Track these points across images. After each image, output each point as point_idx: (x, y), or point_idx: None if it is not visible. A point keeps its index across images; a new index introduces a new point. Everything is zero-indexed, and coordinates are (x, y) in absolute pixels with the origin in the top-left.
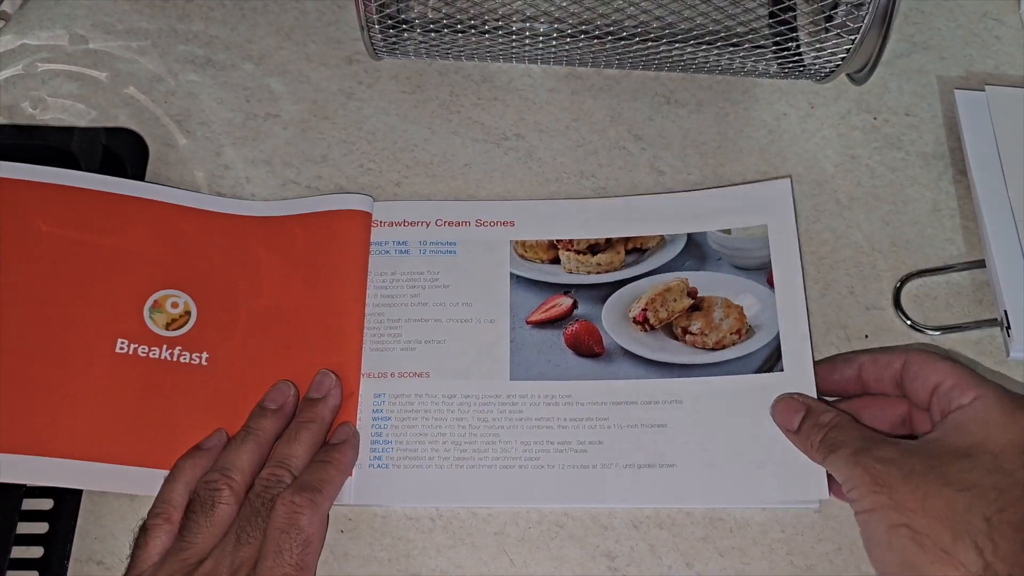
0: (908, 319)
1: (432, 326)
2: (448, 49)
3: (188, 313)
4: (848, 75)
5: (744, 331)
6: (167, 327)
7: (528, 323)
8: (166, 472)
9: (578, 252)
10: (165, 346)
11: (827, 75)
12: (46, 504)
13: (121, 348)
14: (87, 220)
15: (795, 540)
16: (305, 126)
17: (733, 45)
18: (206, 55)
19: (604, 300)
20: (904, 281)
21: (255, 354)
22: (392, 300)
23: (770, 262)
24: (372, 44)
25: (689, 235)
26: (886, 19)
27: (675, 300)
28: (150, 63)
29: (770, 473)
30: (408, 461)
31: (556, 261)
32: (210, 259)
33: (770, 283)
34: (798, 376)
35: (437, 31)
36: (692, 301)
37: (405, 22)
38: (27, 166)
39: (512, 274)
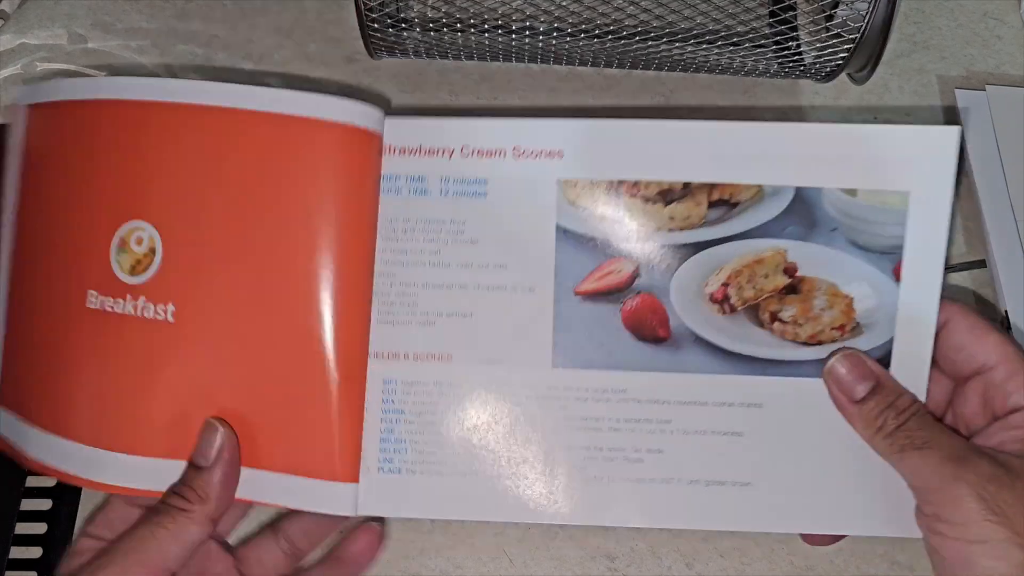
0: None
1: (455, 294)
2: (448, 48)
3: (153, 251)
4: (848, 74)
5: (849, 327)
6: (132, 271)
7: (578, 293)
8: (135, 457)
9: (645, 200)
10: (129, 296)
11: (828, 75)
12: (45, 504)
13: (92, 303)
14: (51, 134)
15: (795, 540)
16: None
17: (733, 44)
18: (206, 55)
19: (675, 269)
20: None
21: (231, 308)
22: (405, 257)
23: (902, 247)
24: (371, 43)
25: (798, 189)
26: (887, 18)
27: (767, 276)
28: (149, 63)
29: (866, 498)
30: (426, 466)
31: (618, 211)
32: (176, 173)
33: (896, 275)
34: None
35: (436, 30)
36: (789, 280)
37: (404, 21)
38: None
39: (559, 227)
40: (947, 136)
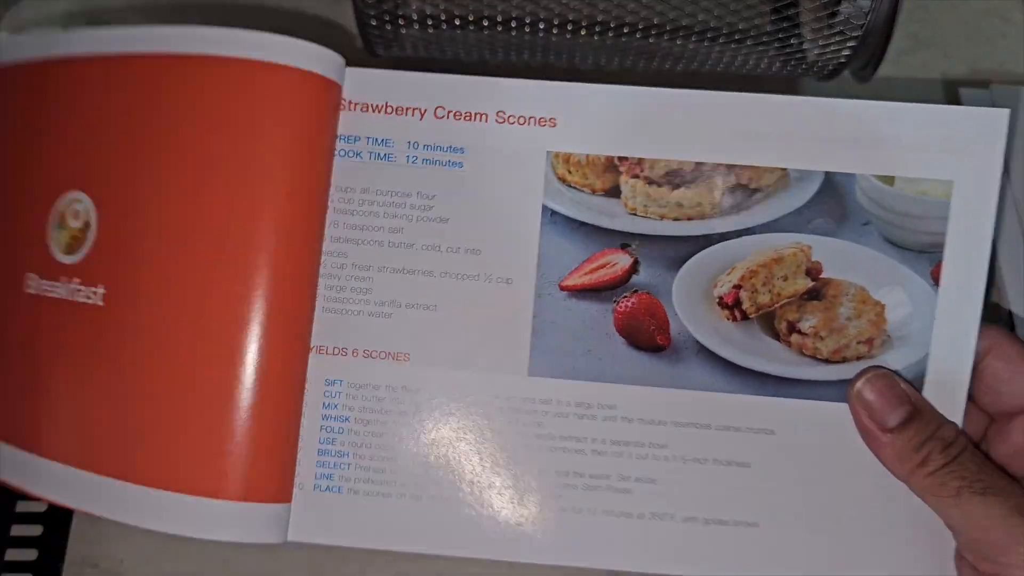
0: None
1: (417, 282)
2: (446, 45)
3: (87, 225)
4: (852, 72)
5: (879, 341)
6: (67, 250)
7: (563, 288)
8: (71, 470)
9: (650, 181)
10: (63, 277)
11: (830, 72)
12: (40, 507)
13: (30, 287)
14: None
15: None
16: None
17: (735, 41)
18: None
19: (680, 264)
20: None
21: (162, 290)
22: (361, 234)
23: (943, 245)
24: (369, 40)
25: (828, 175)
26: (890, 16)
27: (786, 279)
28: None
29: (893, 541)
30: (372, 486)
31: (616, 193)
32: (110, 134)
33: (935, 279)
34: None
35: (435, 27)
36: (811, 284)
37: (403, 17)
38: None
39: (546, 208)
40: (997, 119)
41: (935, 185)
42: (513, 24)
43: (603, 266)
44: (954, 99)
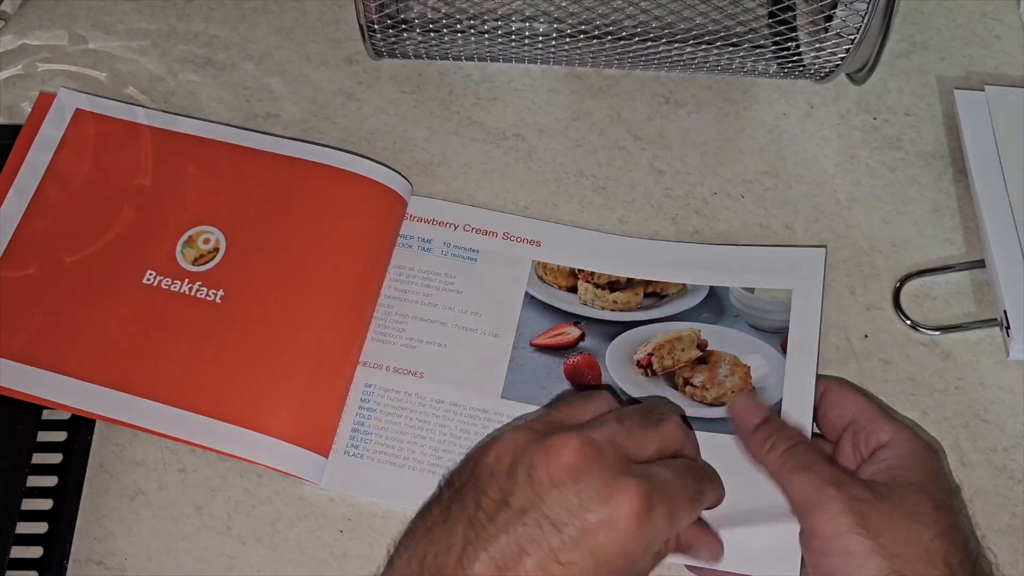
0: (908, 319)
1: (436, 328)
2: (448, 49)
3: (217, 250)
4: (848, 75)
5: (747, 391)
6: (194, 262)
7: (532, 345)
8: (174, 409)
9: (597, 286)
10: (187, 280)
11: (827, 75)
12: (46, 504)
13: (148, 280)
14: (137, 154)
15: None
16: (305, 126)
17: (732, 45)
18: (206, 55)
19: (612, 338)
20: (904, 281)
21: (267, 300)
22: (404, 295)
23: (787, 328)
24: (372, 44)
25: (711, 288)
26: (885, 19)
27: (683, 350)
28: (150, 63)
29: (749, 539)
30: (383, 456)
31: (574, 290)
32: (248, 197)
33: (783, 349)
34: None
35: (436, 31)
36: (700, 354)
37: (404, 22)
38: (103, 100)
39: (527, 294)
40: (817, 254)
41: (781, 292)
42: (513, 29)
43: (561, 334)
44: (949, 100)
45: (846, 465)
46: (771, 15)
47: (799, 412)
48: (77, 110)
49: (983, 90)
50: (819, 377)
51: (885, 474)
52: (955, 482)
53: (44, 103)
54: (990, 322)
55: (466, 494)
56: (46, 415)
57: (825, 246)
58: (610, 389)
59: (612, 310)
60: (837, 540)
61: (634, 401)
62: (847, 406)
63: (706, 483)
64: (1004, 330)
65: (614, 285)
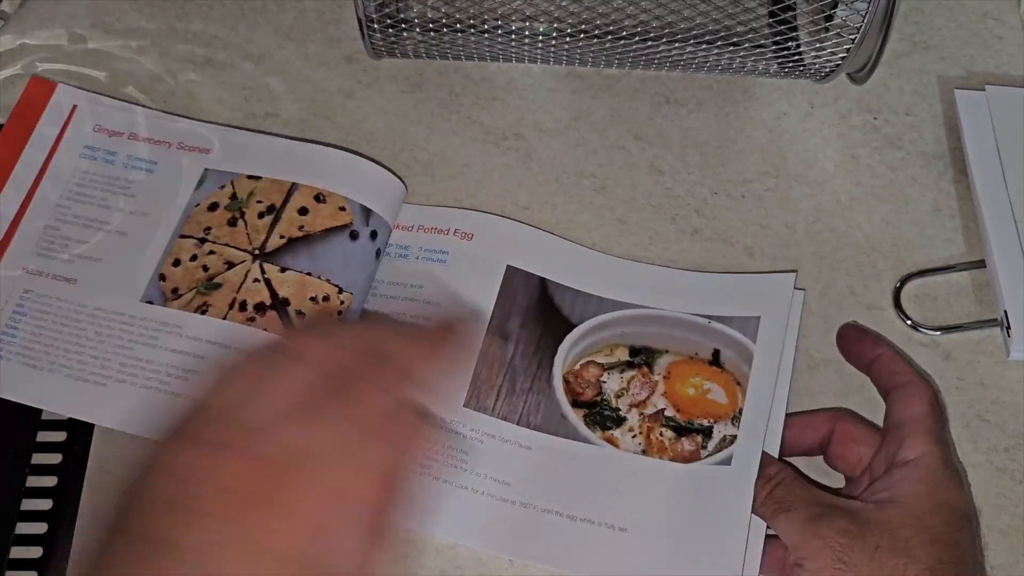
0: (908, 319)
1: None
2: (447, 49)
3: None
4: (848, 75)
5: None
6: None
7: None
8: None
9: None
10: None
11: (827, 75)
12: (45, 504)
13: None
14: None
15: None
16: (304, 126)
17: (733, 44)
18: (205, 55)
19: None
20: (904, 281)
21: None
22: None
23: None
24: (371, 44)
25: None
26: (886, 19)
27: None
28: (149, 63)
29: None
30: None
31: None
32: None
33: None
34: (743, 471)
35: (436, 30)
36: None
37: (404, 21)
38: (101, 98)
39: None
40: (786, 280)
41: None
42: (513, 28)
43: None
44: (949, 100)
45: (876, 468)
46: (771, 14)
47: (754, 438)
48: (74, 107)
49: (984, 90)
50: (910, 373)
51: (890, 496)
52: (974, 509)
53: (36, 90)
54: (991, 322)
55: None
56: (46, 415)
57: (795, 271)
58: None
59: None
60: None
61: None
62: (908, 408)
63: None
64: (1004, 330)
65: None
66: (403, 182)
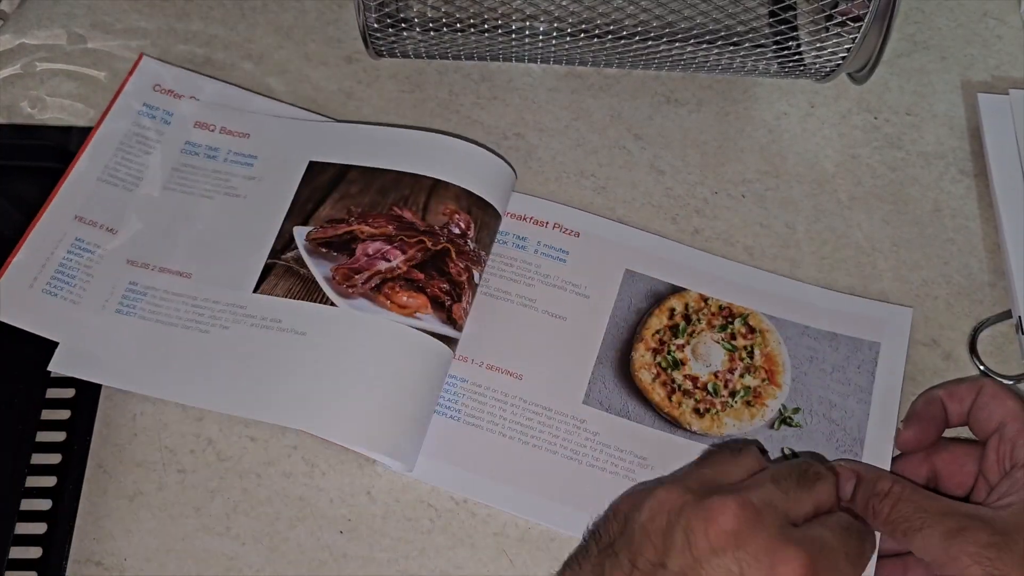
0: (982, 364)
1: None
2: (447, 48)
3: None
4: (848, 74)
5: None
6: None
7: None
8: None
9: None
10: None
11: (827, 74)
12: (44, 504)
13: None
14: None
15: None
16: None
17: (733, 44)
18: (205, 55)
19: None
20: (978, 330)
21: None
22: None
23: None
24: (371, 43)
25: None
26: (887, 18)
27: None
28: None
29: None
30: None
31: None
32: None
33: None
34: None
35: (436, 30)
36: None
37: (404, 21)
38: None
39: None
40: (904, 314)
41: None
42: (513, 28)
43: None
44: (950, 100)
45: (987, 473)
46: (772, 14)
47: (878, 463)
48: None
49: (1007, 94)
50: (974, 379)
51: (1021, 499)
52: None
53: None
54: (1004, 314)
55: (619, 551)
56: (45, 415)
57: (912, 307)
58: (757, 444)
59: None
60: None
61: (785, 457)
62: (997, 409)
63: (867, 542)
64: (1019, 333)
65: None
66: (512, 168)
